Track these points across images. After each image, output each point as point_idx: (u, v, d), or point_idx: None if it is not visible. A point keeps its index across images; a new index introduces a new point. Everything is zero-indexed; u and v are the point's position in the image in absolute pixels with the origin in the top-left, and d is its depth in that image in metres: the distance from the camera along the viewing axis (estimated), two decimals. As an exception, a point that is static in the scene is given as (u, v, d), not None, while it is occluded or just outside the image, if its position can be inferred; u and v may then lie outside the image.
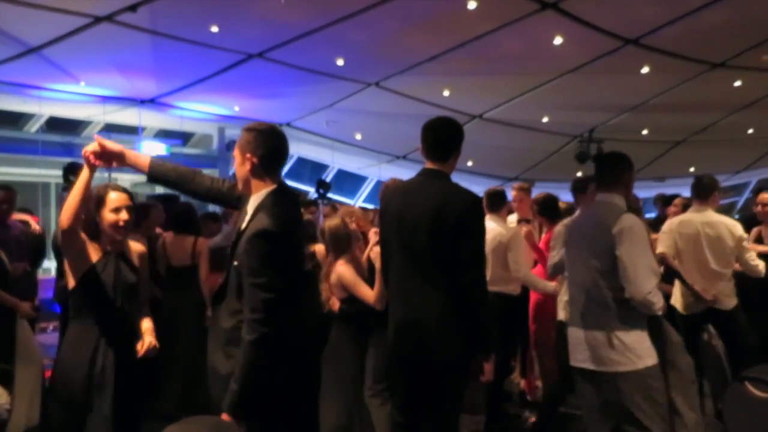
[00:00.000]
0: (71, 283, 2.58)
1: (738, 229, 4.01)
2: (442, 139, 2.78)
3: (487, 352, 2.67)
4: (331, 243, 3.63)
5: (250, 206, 2.31)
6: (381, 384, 3.51)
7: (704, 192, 4.14)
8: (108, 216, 2.61)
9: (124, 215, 2.62)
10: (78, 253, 2.56)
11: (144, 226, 5.00)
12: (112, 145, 2.49)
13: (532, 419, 4.46)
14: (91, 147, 2.46)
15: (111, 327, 2.56)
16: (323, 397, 3.56)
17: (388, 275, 2.79)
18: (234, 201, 2.48)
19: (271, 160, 2.31)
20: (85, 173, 2.49)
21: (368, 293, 3.44)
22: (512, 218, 5.13)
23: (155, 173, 2.49)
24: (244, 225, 2.28)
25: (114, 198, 2.64)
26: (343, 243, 3.59)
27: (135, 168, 2.49)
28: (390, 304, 2.78)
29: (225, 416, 2.09)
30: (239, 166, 2.33)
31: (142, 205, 5.29)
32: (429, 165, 2.76)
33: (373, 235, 3.58)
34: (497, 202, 4.43)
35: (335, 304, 3.61)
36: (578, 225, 3.11)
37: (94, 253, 2.62)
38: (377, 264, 3.35)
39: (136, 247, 2.81)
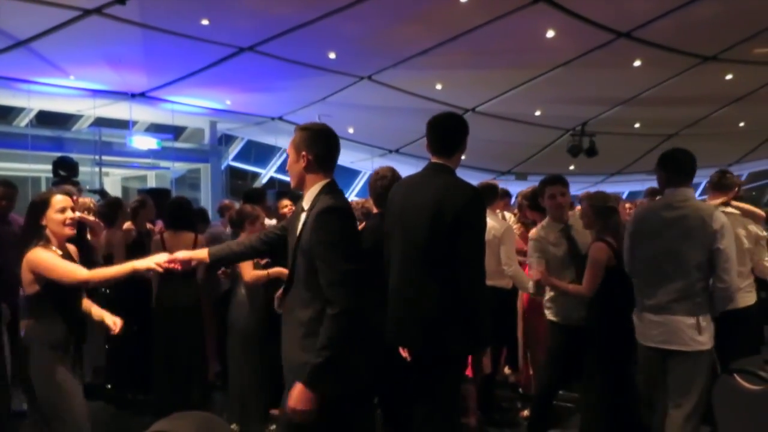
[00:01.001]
0: (32, 288, 2.76)
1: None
2: (446, 134, 2.80)
3: (484, 346, 2.73)
4: None
5: (306, 200, 2.41)
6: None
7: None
8: (55, 216, 2.85)
9: (70, 213, 2.88)
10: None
11: (137, 222, 4.99)
12: (183, 255, 2.69)
13: (525, 413, 4.47)
14: (164, 262, 2.63)
15: (76, 320, 2.88)
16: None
17: (389, 266, 2.83)
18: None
19: (325, 158, 2.41)
20: (129, 268, 2.72)
21: None
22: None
23: (217, 261, 2.74)
24: (303, 217, 2.39)
25: (59, 200, 2.89)
26: None
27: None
28: (389, 297, 2.80)
29: (300, 389, 2.17)
30: (294, 163, 2.43)
31: (134, 201, 5.29)
32: (434, 159, 2.79)
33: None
34: (490, 196, 4.43)
35: None
36: (660, 218, 3.14)
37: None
38: None
39: (71, 247, 3.03)
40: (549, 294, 3.78)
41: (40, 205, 2.88)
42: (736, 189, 4.02)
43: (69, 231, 2.91)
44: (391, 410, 3.06)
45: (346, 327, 2.18)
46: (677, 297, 3.03)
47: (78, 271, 2.72)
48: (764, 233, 3.89)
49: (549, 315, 3.78)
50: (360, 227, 3.49)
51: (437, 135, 2.80)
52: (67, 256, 2.89)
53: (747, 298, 3.70)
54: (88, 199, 5.92)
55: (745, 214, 3.89)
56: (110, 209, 5.02)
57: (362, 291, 2.23)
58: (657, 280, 3.10)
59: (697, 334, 2.99)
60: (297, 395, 2.18)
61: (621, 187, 18.44)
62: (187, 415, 1.78)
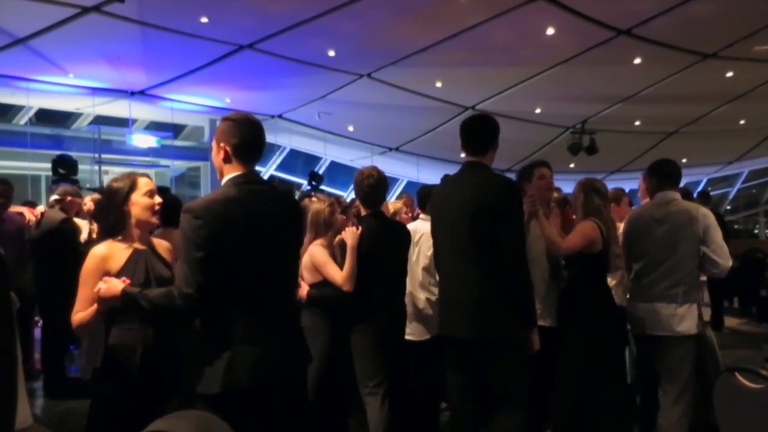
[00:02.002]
0: None
1: None
2: (479, 135, 3.01)
3: (530, 325, 2.87)
4: (310, 225, 3.59)
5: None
6: (373, 380, 3.45)
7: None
8: (142, 200, 2.52)
9: (158, 198, 2.58)
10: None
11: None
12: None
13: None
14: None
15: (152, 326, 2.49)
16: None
17: (438, 262, 3.07)
18: None
19: (244, 148, 2.31)
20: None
21: (337, 274, 3.42)
22: None
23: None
24: None
25: (145, 182, 2.57)
26: (321, 227, 3.57)
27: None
28: (440, 288, 3.04)
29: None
30: (215, 155, 2.35)
31: None
32: (468, 158, 3.01)
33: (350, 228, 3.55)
34: None
35: (303, 290, 3.51)
36: (654, 219, 3.49)
37: (118, 258, 2.50)
38: (349, 242, 3.41)
39: (161, 242, 2.73)
40: None
41: (125, 188, 2.50)
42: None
43: (155, 220, 2.59)
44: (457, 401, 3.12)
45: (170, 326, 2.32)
46: (668, 286, 3.37)
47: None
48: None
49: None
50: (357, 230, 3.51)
51: (470, 136, 3.01)
52: (151, 254, 2.55)
53: None
54: (98, 195, 5.94)
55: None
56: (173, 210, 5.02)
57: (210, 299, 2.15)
58: (651, 272, 3.43)
59: (682, 320, 3.33)
60: (112, 286, 2.31)
61: (621, 185, 18.40)
62: (185, 414, 1.77)
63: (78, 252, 5.17)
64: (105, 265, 2.45)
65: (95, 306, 2.39)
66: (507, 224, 2.75)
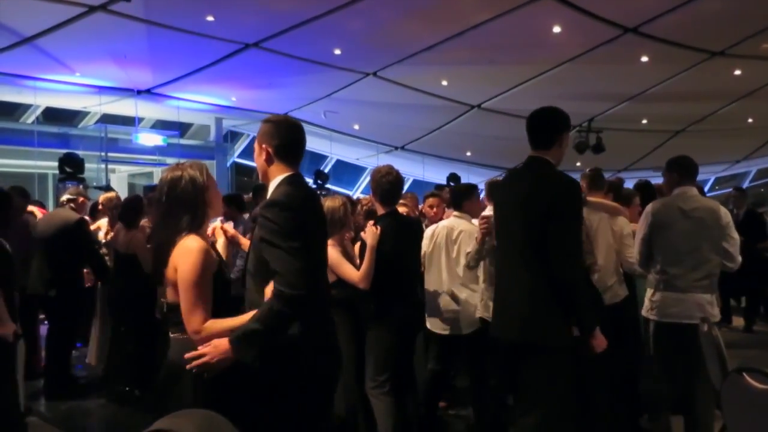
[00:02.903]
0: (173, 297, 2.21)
1: None
2: (543, 127, 2.83)
3: (586, 330, 2.67)
4: (329, 223, 3.61)
5: (269, 194, 2.35)
6: (382, 375, 3.47)
7: None
8: (216, 191, 2.33)
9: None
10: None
11: (138, 224, 5.01)
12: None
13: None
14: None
15: None
16: None
17: (496, 260, 3.04)
18: None
19: (286, 149, 2.33)
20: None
21: (352, 273, 3.42)
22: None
23: None
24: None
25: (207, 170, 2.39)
26: (335, 225, 3.55)
27: None
28: (495, 288, 2.92)
29: (224, 343, 2.04)
30: (257, 156, 2.37)
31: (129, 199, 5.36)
32: (532, 153, 2.84)
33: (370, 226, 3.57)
34: (468, 195, 4.45)
35: None
36: (682, 212, 3.60)
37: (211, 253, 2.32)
38: (369, 242, 3.40)
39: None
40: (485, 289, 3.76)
41: (202, 177, 2.24)
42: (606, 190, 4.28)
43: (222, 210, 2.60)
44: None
45: (287, 312, 2.07)
46: (699, 277, 3.52)
47: None
48: (630, 229, 3.95)
49: (481, 311, 3.77)
50: (369, 224, 3.51)
51: (534, 128, 2.85)
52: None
53: (619, 291, 3.91)
54: (113, 194, 5.97)
55: (609, 210, 3.99)
56: (130, 210, 5.03)
57: (311, 288, 2.12)
58: (678, 263, 3.55)
59: (711, 308, 3.51)
60: (218, 345, 2.07)
61: (628, 184, 18.31)
62: (188, 413, 1.77)
63: (91, 251, 5.23)
64: (211, 260, 2.22)
65: (229, 322, 2.15)
66: (559, 225, 2.58)
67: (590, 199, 3.90)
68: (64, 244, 4.94)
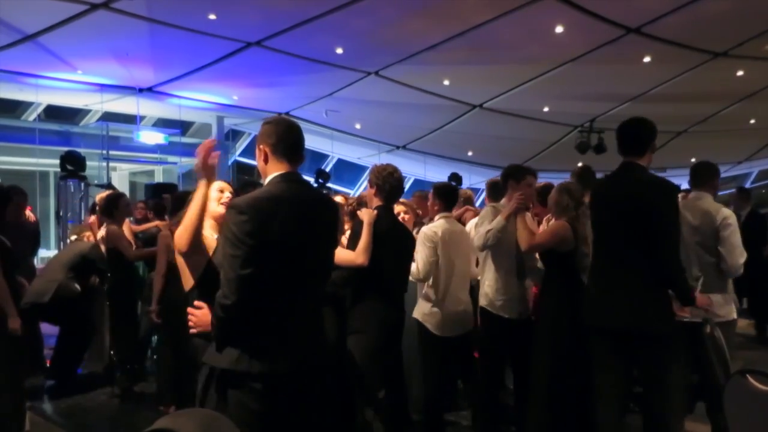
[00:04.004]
0: (189, 283, 2.60)
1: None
2: (637, 137, 3.16)
3: (687, 303, 3.08)
4: None
5: None
6: (371, 381, 3.44)
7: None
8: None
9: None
10: (197, 255, 2.60)
11: (116, 217, 5.04)
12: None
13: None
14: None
15: None
16: None
17: (594, 256, 3.25)
18: None
19: (280, 148, 2.36)
20: (203, 188, 2.57)
21: (349, 254, 3.39)
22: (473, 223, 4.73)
23: None
24: None
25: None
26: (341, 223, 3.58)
27: None
28: (592, 280, 3.20)
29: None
30: (258, 159, 2.41)
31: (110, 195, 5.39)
32: (625, 159, 3.17)
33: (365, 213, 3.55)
34: (499, 192, 4.43)
35: None
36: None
37: (209, 241, 2.66)
38: (366, 219, 3.40)
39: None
40: (497, 288, 3.75)
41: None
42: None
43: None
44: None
45: (223, 317, 2.18)
46: (694, 276, 3.61)
47: None
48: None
49: (496, 306, 3.75)
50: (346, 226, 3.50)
51: (627, 138, 3.17)
52: None
53: None
54: (106, 194, 6.02)
55: None
56: (108, 203, 5.10)
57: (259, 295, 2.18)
58: (690, 264, 3.62)
59: (719, 308, 3.55)
60: (205, 315, 2.32)
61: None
62: (190, 412, 1.77)
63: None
64: None
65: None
66: (663, 221, 2.93)
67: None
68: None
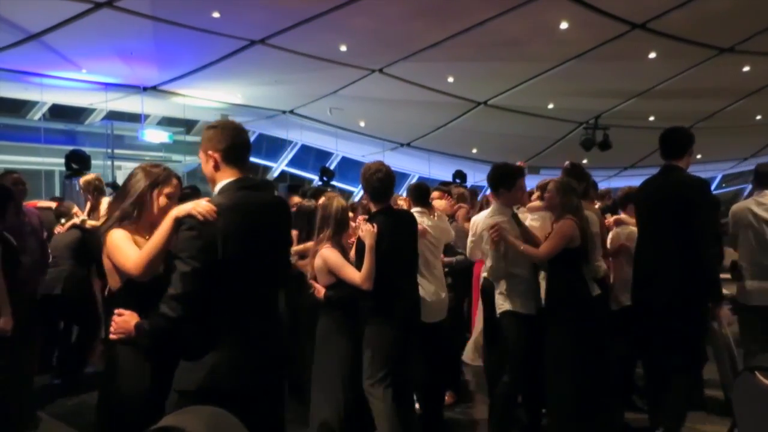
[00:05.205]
0: (115, 284, 2.39)
1: None
2: (677, 143, 3.67)
3: (717, 299, 3.47)
4: (324, 220, 3.55)
5: None
6: (381, 371, 3.42)
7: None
8: (161, 200, 2.45)
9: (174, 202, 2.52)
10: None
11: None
12: None
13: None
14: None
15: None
16: (315, 389, 3.50)
17: (639, 245, 3.75)
18: None
19: (232, 153, 2.31)
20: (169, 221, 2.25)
21: (355, 275, 3.38)
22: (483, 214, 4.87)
23: None
24: None
25: (175, 183, 2.50)
26: (334, 226, 3.53)
27: None
28: (639, 265, 3.67)
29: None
30: (204, 165, 2.35)
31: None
32: (666, 162, 3.66)
33: (361, 220, 3.55)
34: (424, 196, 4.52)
35: (320, 292, 3.52)
36: (751, 212, 4.11)
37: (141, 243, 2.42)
38: (367, 241, 3.36)
39: None
40: (504, 283, 3.73)
41: (154, 182, 2.43)
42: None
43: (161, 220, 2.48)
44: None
45: (164, 335, 2.17)
46: None
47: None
48: (597, 228, 3.99)
49: (505, 305, 3.71)
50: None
51: (669, 144, 3.68)
52: None
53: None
54: (92, 175, 5.94)
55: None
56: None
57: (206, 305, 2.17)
58: (760, 258, 3.99)
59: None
60: (128, 321, 2.25)
61: (634, 182, 18.23)
62: (195, 410, 1.76)
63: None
64: None
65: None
66: (701, 215, 3.39)
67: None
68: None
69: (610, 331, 3.89)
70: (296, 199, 5.18)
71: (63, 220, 5.35)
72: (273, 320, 2.38)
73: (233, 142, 2.31)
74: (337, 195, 3.81)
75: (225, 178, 2.30)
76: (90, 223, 5.37)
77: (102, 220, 5.38)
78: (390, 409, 3.38)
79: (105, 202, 5.67)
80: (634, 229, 4.20)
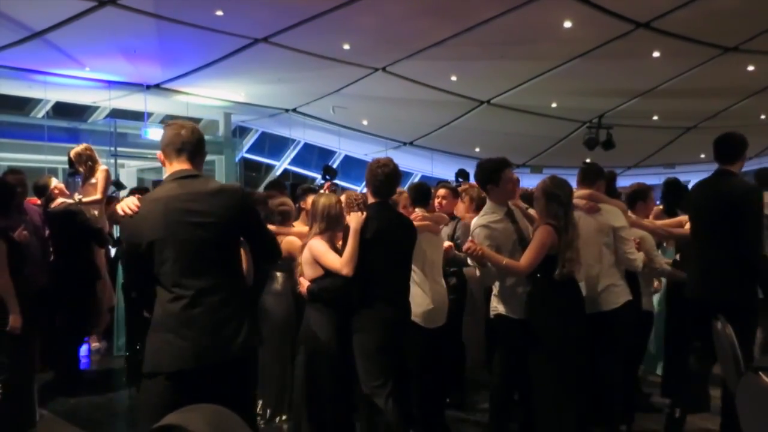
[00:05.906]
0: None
1: None
2: (731, 149, 3.75)
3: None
4: (317, 217, 3.50)
5: None
6: (378, 380, 3.34)
7: None
8: None
9: None
10: None
11: None
12: None
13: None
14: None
15: None
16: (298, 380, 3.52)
17: (693, 243, 3.89)
18: None
19: (167, 149, 2.56)
20: None
21: (335, 260, 3.33)
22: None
23: None
24: None
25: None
26: (330, 222, 3.48)
27: None
28: (695, 263, 3.83)
29: None
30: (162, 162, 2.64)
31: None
32: (720, 166, 3.77)
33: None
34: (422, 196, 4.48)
35: (303, 286, 3.47)
36: None
37: None
38: (352, 225, 3.34)
39: None
40: (498, 286, 3.66)
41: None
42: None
43: None
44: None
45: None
46: None
47: None
48: (625, 223, 3.86)
49: (498, 308, 3.64)
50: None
51: (722, 149, 3.77)
52: None
53: (616, 297, 3.75)
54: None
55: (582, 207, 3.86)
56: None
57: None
58: None
59: None
60: None
61: (638, 181, 18.18)
62: (198, 408, 1.76)
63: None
64: None
65: None
66: (750, 217, 3.55)
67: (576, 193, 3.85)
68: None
69: (598, 338, 3.73)
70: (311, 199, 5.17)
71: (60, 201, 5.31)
72: (211, 303, 2.44)
73: (167, 138, 2.57)
74: (326, 194, 3.78)
75: (167, 172, 2.57)
76: (86, 200, 5.39)
77: (100, 190, 5.41)
78: (389, 415, 3.30)
79: (101, 170, 5.68)
80: (642, 233, 4.19)
